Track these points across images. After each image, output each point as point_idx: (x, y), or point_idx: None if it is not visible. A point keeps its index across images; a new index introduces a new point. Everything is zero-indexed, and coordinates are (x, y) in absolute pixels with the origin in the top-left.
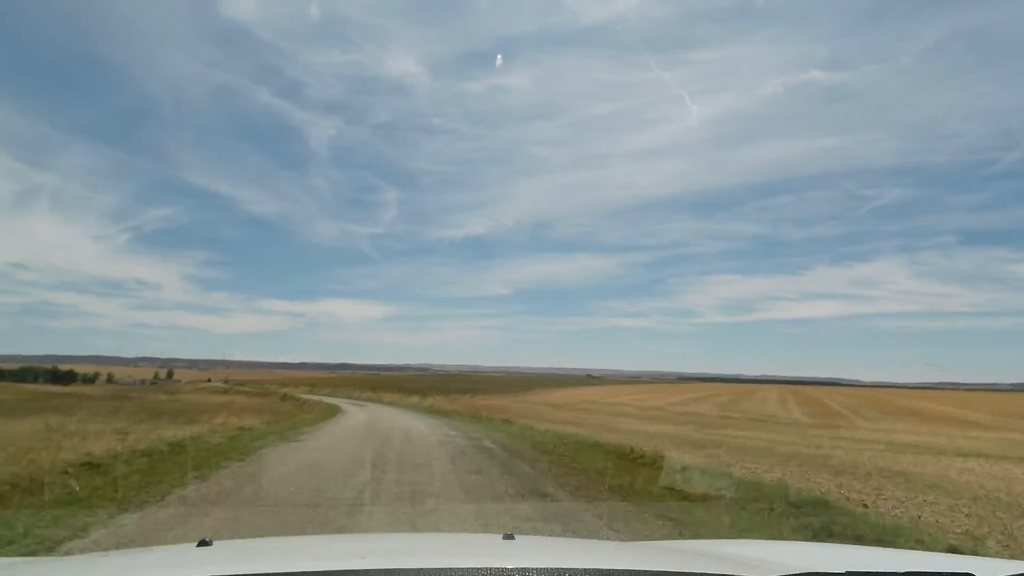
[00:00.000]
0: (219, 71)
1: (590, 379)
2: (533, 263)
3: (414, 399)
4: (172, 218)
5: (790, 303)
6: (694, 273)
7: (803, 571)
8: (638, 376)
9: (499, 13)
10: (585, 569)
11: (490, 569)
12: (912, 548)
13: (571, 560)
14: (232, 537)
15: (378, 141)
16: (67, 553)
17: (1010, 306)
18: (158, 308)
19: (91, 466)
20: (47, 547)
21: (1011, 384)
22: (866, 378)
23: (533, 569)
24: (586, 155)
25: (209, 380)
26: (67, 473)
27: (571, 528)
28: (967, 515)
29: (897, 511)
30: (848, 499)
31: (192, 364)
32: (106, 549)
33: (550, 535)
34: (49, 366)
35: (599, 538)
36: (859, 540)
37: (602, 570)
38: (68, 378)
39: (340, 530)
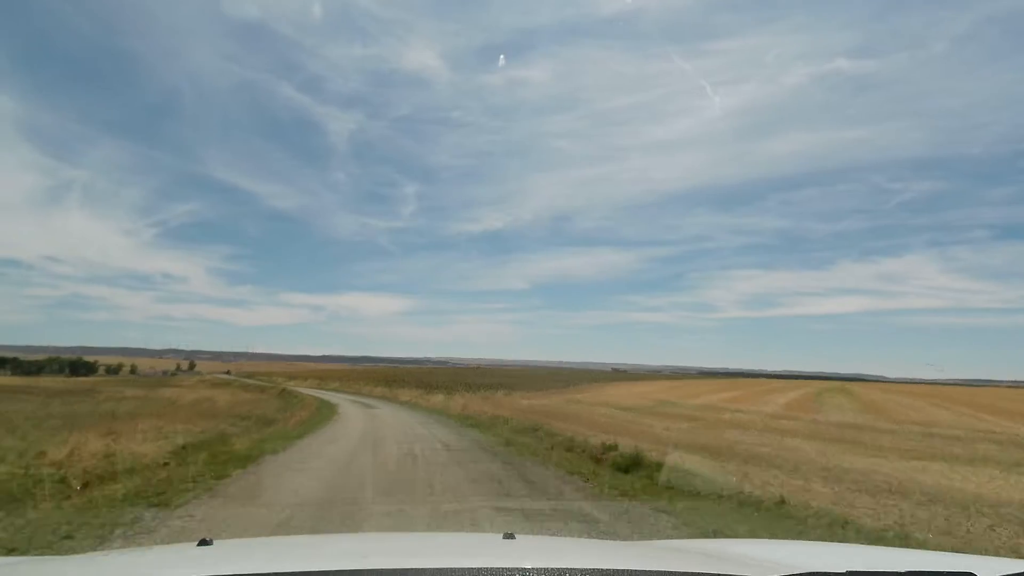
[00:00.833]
0: (241, 67)
1: (617, 373)
2: (552, 257)
3: (438, 398)
4: (197, 213)
5: (814, 298)
6: (715, 268)
7: (803, 571)
8: (659, 371)
9: (517, 5)
10: (585, 569)
11: (491, 569)
12: None
13: (571, 560)
14: None
15: (397, 135)
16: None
17: None
18: (184, 301)
19: None
20: None
21: None
22: (891, 374)
23: (533, 569)
24: (605, 148)
25: (228, 372)
26: None
27: None
28: None
29: None
30: None
31: (216, 356)
32: None
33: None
34: (75, 358)
35: None
36: None
37: (602, 570)
38: (89, 369)
39: None
